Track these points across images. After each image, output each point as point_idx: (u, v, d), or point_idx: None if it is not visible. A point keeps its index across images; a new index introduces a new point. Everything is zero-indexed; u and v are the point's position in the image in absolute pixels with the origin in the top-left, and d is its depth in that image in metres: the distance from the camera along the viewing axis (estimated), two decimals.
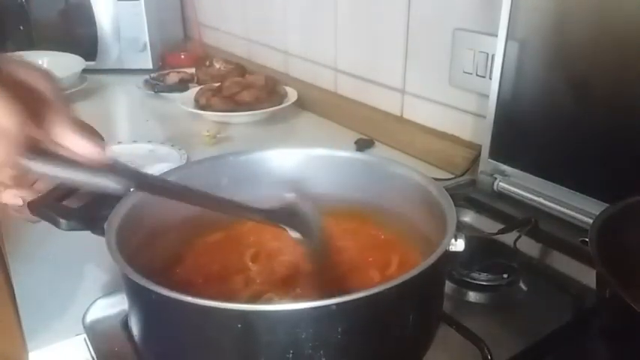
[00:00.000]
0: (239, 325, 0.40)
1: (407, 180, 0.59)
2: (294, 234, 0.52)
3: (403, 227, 0.59)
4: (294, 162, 0.64)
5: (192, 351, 0.44)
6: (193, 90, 1.33)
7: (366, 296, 0.40)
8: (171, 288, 0.41)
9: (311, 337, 0.41)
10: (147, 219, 0.54)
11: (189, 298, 0.40)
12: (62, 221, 0.49)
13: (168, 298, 0.40)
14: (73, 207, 0.51)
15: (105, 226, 0.48)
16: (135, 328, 0.49)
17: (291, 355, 0.41)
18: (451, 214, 0.50)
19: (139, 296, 0.46)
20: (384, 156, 0.78)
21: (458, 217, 0.50)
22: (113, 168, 0.43)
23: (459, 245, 0.48)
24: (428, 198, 0.55)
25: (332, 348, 0.42)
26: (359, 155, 0.69)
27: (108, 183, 0.42)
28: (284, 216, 0.53)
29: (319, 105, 1.29)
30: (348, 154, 0.65)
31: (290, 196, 0.56)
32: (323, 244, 0.56)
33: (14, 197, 0.52)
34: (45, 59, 1.53)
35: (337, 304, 0.40)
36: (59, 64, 1.48)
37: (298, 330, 0.40)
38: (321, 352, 0.41)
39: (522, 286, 0.66)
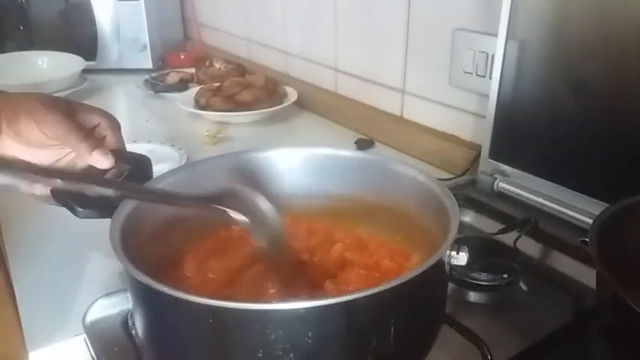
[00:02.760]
0: (210, 320, 0.41)
1: (410, 179, 0.58)
2: (239, 217, 0.50)
3: (406, 227, 0.59)
4: (298, 161, 0.64)
5: (175, 342, 0.44)
6: (193, 90, 1.33)
7: (336, 303, 0.40)
8: (175, 285, 0.41)
9: (280, 339, 0.40)
10: (152, 216, 0.54)
11: (166, 289, 0.40)
12: (79, 209, 0.50)
13: (164, 294, 0.40)
14: (91, 196, 0.52)
15: (110, 224, 0.49)
16: (137, 325, 0.49)
17: (261, 355, 0.41)
18: (455, 215, 0.49)
19: (141, 293, 0.46)
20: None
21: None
22: None
23: (461, 259, 0.47)
24: (432, 198, 0.55)
25: (302, 352, 0.41)
26: (364, 155, 0.68)
27: None
28: (225, 199, 0.51)
29: (319, 105, 1.29)
30: (354, 153, 0.65)
31: (233, 185, 0.54)
32: (276, 232, 0.53)
33: (43, 188, 0.55)
34: (45, 59, 1.54)
35: (306, 309, 0.39)
36: (59, 64, 1.48)
37: (267, 330, 0.40)
38: (292, 355, 0.41)
39: (522, 286, 0.66)
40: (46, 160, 0.57)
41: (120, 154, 0.58)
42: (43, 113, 0.54)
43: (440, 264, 0.46)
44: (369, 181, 0.62)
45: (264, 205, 0.52)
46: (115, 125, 0.60)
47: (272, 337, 0.40)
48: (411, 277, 0.42)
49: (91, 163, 0.55)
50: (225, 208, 0.50)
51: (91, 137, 0.57)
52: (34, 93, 0.57)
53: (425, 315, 0.49)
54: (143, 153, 0.60)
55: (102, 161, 0.55)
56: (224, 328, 0.41)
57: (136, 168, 0.57)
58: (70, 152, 0.57)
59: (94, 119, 0.58)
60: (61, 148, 0.57)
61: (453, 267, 0.49)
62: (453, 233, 0.47)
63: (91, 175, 0.55)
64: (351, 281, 0.55)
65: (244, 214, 0.50)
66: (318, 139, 1.16)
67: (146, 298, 0.45)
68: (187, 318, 0.43)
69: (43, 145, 0.56)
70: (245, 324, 0.41)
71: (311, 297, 0.49)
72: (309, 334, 0.40)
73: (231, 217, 0.50)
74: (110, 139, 0.59)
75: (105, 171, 0.55)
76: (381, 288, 0.41)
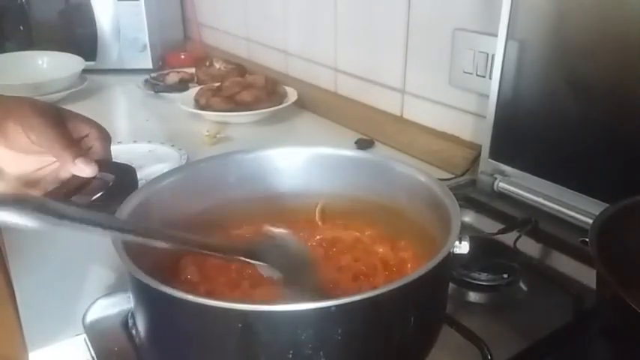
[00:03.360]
0: (239, 325, 0.40)
1: (410, 179, 0.58)
2: (268, 272, 0.49)
3: (407, 226, 0.59)
4: (299, 160, 0.64)
5: (194, 349, 0.44)
6: (193, 90, 1.33)
7: (365, 298, 0.40)
8: (179, 286, 0.41)
9: (311, 338, 0.41)
10: (154, 216, 0.54)
11: (190, 297, 0.40)
12: None
13: (170, 296, 0.40)
14: (81, 204, 0.52)
15: None
16: (139, 325, 0.49)
17: (291, 356, 0.41)
18: (455, 214, 0.49)
19: (143, 294, 0.46)
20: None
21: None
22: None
23: (463, 247, 0.48)
24: (432, 198, 0.55)
25: (332, 349, 0.42)
26: (364, 154, 0.68)
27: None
28: (259, 251, 0.50)
29: (319, 105, 1.29)
30: (354, 153, 0.65)
31: (271, 229, 0.55)
32: (309, 280, 0.52)
33: None
34: (45, 59, 1.54)
35: (336, 306, 0.40)
36: (59, 64, 1.48)
37: (298, 331, 0.40)
38: (321, 353, 0.41)
39: (522, 286, 0.66)
40: (30, 167, 0.57)
41: (104, 163, 0.57)
42: (31, 118, 0.53)
43: (449, 256, 0.46)
44: (369, 181, 0.62)
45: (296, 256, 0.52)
46: (105, 137, 0.59)
47: (302, 337, 0.40)
48: (430, 269, 0.43)
49: (74, 172, 0.54)
50: (255, 263, 0.49)
51: (76, 146, 0.56)
52: (25, 97, 0.56)
53: (435, 306, 0.50)
54: (143, 153, 0.59)
55: (84, 170, 0.54)
56: (253, 332, 0.41)
57: (121, 178, 0.56)
58: (55, 161, 0.56)
59: (84, 129, 0.58)
60: (46, 155, 0.56)
61: (454, 261, 0.49)
62: (456, 224, 0.48)
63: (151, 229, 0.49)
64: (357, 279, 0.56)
65: (274, 270, 0.49)
66: (318, 139, 1.16)
67: (159, 304, 0.45)
68: (212, 323, 0.42)
69: (29, 151, 0.55)
70: (276, 326, 0.41)
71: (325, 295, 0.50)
72: (339, 330, 0.41)
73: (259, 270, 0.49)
74: (97, 150, 0.58)
75: (90, 180, 0.55)
76: (405, 281, 0.42)
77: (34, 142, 0.54)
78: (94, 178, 0.55)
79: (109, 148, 0.59)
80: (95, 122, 0.59)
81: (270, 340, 0.41)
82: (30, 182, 0.57)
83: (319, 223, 0.63)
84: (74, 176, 0.55)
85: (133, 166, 0.58)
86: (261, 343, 0.41)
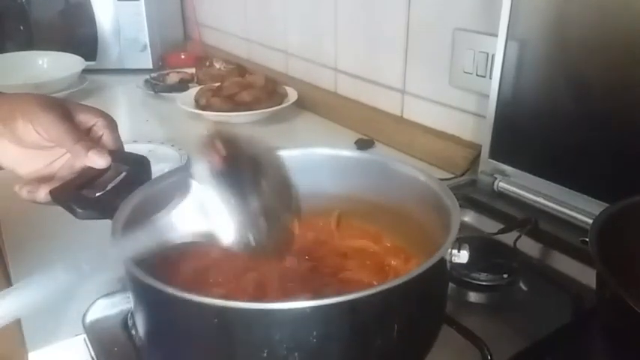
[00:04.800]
0: (215, 320, 0.41)
1: (411, 179, 0.58)
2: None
3: (407, 227, 0.59)
4: (298, 161, 0.63)
5: (193, 349, 0.44)
6: (193, 90, 1.33)
7: (342, 302, 0.39)
8: (180, 284, 0.41)
9: (285, 339, 0.40)
10: (153, 217, 0.54)
11: (188, 295, 0.40)
12: (78, 210, 0.50)
13: (170, 295, 0.40)
14: (90, 196, 0.53)
15: (111, 224, 0.49)
16: (138, 325, 0.49)
17: (265, 354, 0.41)
18: (455, 219, 0.49)
19: (143, 294, 0.46)
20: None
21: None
22: None
23: (462, 257, 0.47)
24: (432, 197, 0.55)
25: (307, 351, 0.41)
26: (364, 155, 0.68)
27: None
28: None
29: (319, 105, 1.29)
30: (354, 153, 0.65)
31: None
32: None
33: (46, 195, 0.55)
34: (45, 59, 1.54)
35: (312, 308, 0.39)
36: (59, 64, 1.48)
37: (272, 330, 0.40)
38: (296, 354, 0.41)
39: (522, 286, 0.66)
40: (43, 162, 0.57)
41: (118, 154, 0.57)
42: (39, 114, 0.54)
43: (442, 262, 0.46)
44: (369, 181, 0.62)
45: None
46: (112, 124, 0.59)
47: (277, 337, 0.40)
48: (415, 275, 0.42)
49: (88, 164, 0.55)
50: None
51: (87, 138, 0.56)
52: (30, 94, 0.57)
53: (427, 313, 0.49)
54: (143, 153, 0.59)
55: (98, 161, 0.54)
56: (229, 328, 0.41)
57: (135, 169, 0.57)
58: (66, 153, 0.57)
59: (90, 119, 0.58)
60: (57, 149, 0.56)
61: (453, 266, 0.49)
62: (454, 231, 0.47)
63: None
64: (355, 280, 0.55)
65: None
66: (318, 139, 1.16)
67: (149, 298, 0.45)
68: (191, 318, 0.43)
69: (40, 147, 0.56)
70: (250, 324, 0.41)
71: (315, 296, 0.49)
72: (314, 333, 0.40)
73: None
74: (107, 139, 0.59)
75: (103, 171, 0.55)
76: (385, 286, 0.41)
77: (44, 138, 0.54)
78: (108, 169, 0.55)
79: (118, 134, 0.60)
80: (100, 110, 0.60)
81: (245, 338, 0.41)
82: (44, 177, 0.58)
83: (334, 230, 0.63)
84: (87, 168, 0.55)
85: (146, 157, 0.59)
86: (236, 340, 0.41)
